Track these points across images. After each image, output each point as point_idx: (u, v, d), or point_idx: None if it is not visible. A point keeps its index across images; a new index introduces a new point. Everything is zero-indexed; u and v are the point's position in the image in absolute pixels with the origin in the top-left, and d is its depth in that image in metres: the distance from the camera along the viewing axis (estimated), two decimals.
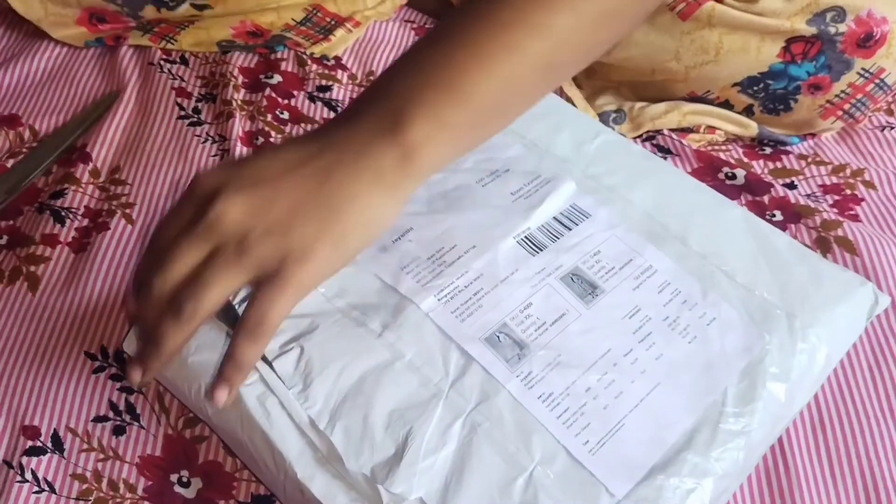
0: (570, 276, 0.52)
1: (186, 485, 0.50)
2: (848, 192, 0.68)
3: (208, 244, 0.41)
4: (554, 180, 0.56)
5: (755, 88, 0.69)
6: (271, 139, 0.67)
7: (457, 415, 0.46)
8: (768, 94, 0.69)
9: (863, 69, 0.66)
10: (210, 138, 0.67)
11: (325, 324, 0.49)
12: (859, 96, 0.68)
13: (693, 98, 0.71)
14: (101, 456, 0.51)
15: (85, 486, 0.50)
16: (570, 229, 0.54)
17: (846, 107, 0.69)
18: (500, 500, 0.43)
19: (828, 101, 0.68)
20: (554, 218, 0.55)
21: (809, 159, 0.71)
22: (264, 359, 0.47)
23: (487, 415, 0.46)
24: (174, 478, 0.50)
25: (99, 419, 0.52)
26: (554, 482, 0.44)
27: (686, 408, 0.48)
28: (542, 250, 0.53)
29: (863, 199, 0.68)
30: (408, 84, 0.43)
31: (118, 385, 0.54)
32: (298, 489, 0.45)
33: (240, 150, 0.66)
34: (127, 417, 0.53)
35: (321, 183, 0.41)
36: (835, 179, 0.70)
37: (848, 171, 0.70)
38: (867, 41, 0.65)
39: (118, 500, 0.49)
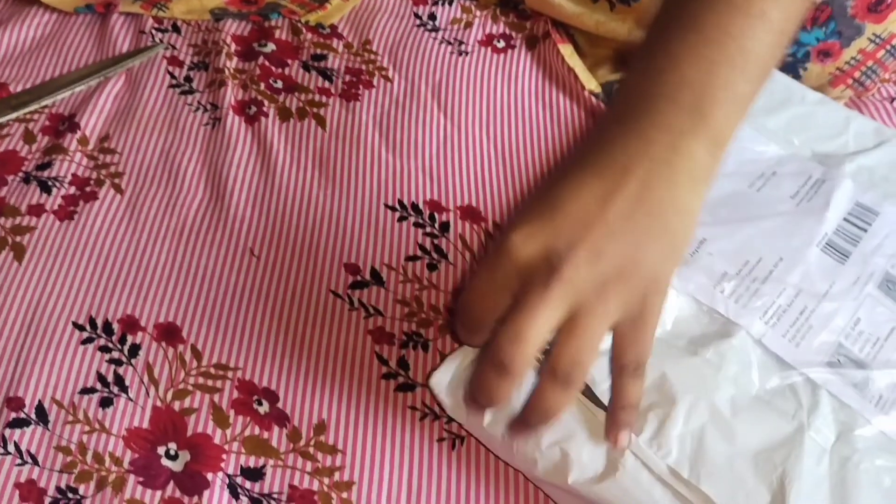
0: (885, 283, 0.49)
1: (174, 457, 0.49)
2: None
3: (566, 305, 0.37)
4: (829, 180, 0.53)
5: None
6: (264, 108, 0.66)
7: (823, 451, 0.43)
8: None
9: (874, 34, 0.64)
10: (201, 107, 0.66)
11: (656, 357, 0.43)
12: (870, 63, 0.66)
13: None
14: (87, 428, 0.50)
15: (69, 459, 0.48)
16: (864, 231, 0.51)
17: (856, 74, 0.67)
18: None
19: (837, 69, 0.66)
20: (845, 220, 0.52)
21: None
22: (602, 406, 0.43)
23: (852, 448, 0.43)
24: (161, 450, 0.49)
25: (86, 391, 0.51)
26: None
27: None
28: (848, 256, 0.50)
29: None
30: (692, 64, 0.39)
31: (107, 357, 0.52)
32: None
33: (232, 119, 0.64)
34: (115, 389, 0.51)
35: (643, 202, 0.38)
36: None
37: None
38: (878, 5, 0.63)
39: (103, 472, 0.48)
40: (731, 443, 0.43)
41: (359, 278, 0.57)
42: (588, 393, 0.44)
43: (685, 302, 0.48)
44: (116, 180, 0.61)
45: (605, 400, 0.42)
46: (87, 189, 0.60)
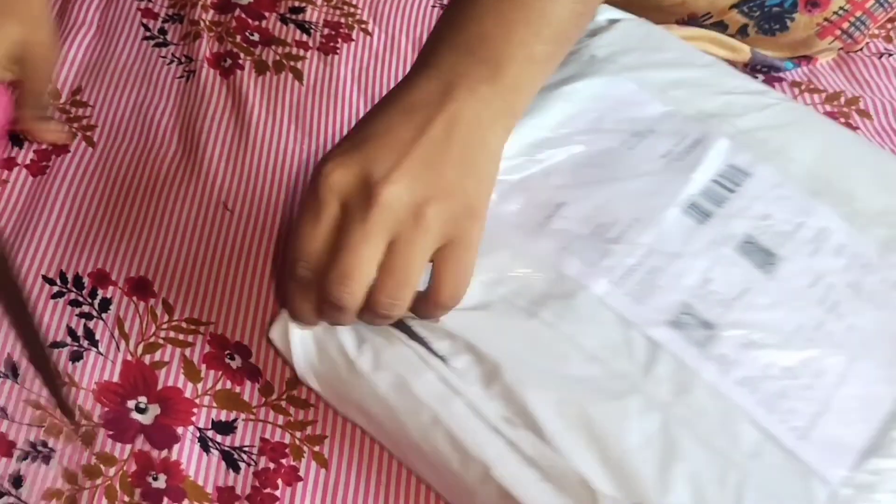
0: (744, 244, 0.48)
1: (144, 411, 0.48)
2: (842, 120, 0.66)
3: (386, 234, 0.39)
4: (704, 139, 0.52)
5: (750, 6, 0.65)
6: (240, 61, 0.64)
7: (655, 409, 0.42)
8: (763, 12, 0.65)
9: None
10: (176, 60, 0.64)
11: (492, 316, 0.44)
12: (858, 14, 0.65)
13: (689, 21, 0.68)
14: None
15: (39, 413, 0.48)
16: (732, 192, 0.50)
17: (844, 25, 0.66)
18: (715, 501, 0.40)
19: (825, 20, 0.65)
20: (713, 181, 0.50)
21: (803, 87, 0.69)
22: (441, 357, 0.44)
23: (688, 406, 0.42)
24: (132, 404, 0.49)
25: (55, 345, 0.50)
26: (768, 477, 0.41)
27: (887, 380, 0.45)
28: (709, 217, 0.49)
29: (857, 128, 0.65)
30: (494, 22, 0.43)
31: (77, 311, 0.52)
32: (498, 494, 0.41)
33: (206, 71, 0.63)
34: (85, 343, 0.51)
35: (450, 136, 0.40)
36: (829, 108, 0.67)
37: (842, 100, 0.67)
38: None
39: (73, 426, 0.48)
40: (559, 397, 0.42)
41: None
42: (402, 326, 0.44)
43: (526, 263, 0.47)
44: (88, 133, 0.60)
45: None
46: (60, 143, 0.59)
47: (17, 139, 0.59)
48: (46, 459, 0.47)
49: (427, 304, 0.42)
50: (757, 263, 0.48)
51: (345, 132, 0.60)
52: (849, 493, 0.42)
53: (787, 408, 0.43)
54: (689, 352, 0.44)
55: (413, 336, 0.44)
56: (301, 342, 0.46)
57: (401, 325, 0.45)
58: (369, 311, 0.41)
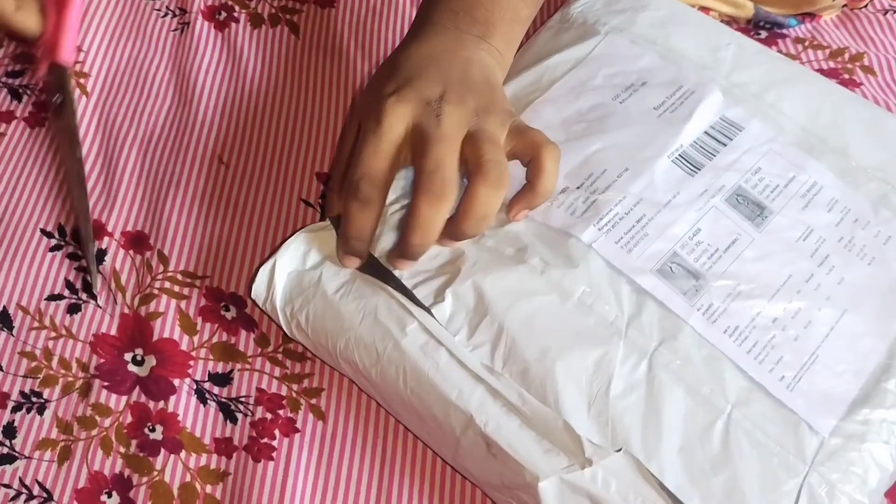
0: (734, 196, 0.48)
1: (140, 363, 0.48)
2: (846, 76, 0.65)
3: (460, 137, 0.45)
4: (697, 91, 0.51)
5: None
6: (235, 13, 0.64)
7: (641, 356, 0.42)
8: None
9: None
10: (170, 12, 0.64)
11: (479, 264, 0.45)
12: None
13: None
14: (53, 334, 0.49)
15: (34, 364, 0.48)
16: (724, 145, 0.50)
17: None
18: (701, 448, 0.40)
19: None
20: (705, 133, 0.50)
21: (807, 43, 0.68)
22: (422, 306, 0.43)
23: (674, 354, 0.42)
24: (128, 356, 0.49)
25: (53, 297, 0.50)
26: (755, 424, 0.41)
27: (877, 334, 0.45)
28: (699, 169, 0.48)
29: (861, 84, 0.64)
30: None
31: (76, 264, 0.52)
32: (481, 443, 0.42)
33: (201, 24, 0.62)
34: (83, 296, 0.51)
35: (471, 73, 0.48)
36: (832, 64, 0.66)
37: (846, 56, 0.66)
38: None
39: (69, 378, 0.48)
40: (544, 343, 0.42)
41: None
42: (386, 276, 0.45)
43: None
44: (82, 80, 0.59)
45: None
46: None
47: (15, 93, 0.59)
48: (41, 410, 0.47)
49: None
50: (747, 216, 0.47)
51: (342, 87, 0.61)
52: (838, 443, 0.42)
53: (775, 358, 0.43)
54: (675, 300, 0.44)
55: (397, 285, 0.44)
56: (284, 295, 0.46)
57: (386, 273, 0.44)
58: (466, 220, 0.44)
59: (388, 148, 0.44)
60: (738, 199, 0.48)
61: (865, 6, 0.70)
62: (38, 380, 0.48)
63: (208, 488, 0.45)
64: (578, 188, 0.47)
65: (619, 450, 0.40)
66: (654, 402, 0.41)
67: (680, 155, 0.49)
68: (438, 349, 0.43)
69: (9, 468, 0.45)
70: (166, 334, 0.49)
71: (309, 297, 0.45)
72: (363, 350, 0.44)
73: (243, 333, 0.50)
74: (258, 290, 0.46)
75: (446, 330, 0.43)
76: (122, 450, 0.46)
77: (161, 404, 0.47)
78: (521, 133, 0.46)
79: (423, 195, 0.43)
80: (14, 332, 0.49)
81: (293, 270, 0.46)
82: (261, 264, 0.46)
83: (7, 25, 0.56)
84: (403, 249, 0.44)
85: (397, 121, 0.45)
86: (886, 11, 0.70)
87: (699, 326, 0.43)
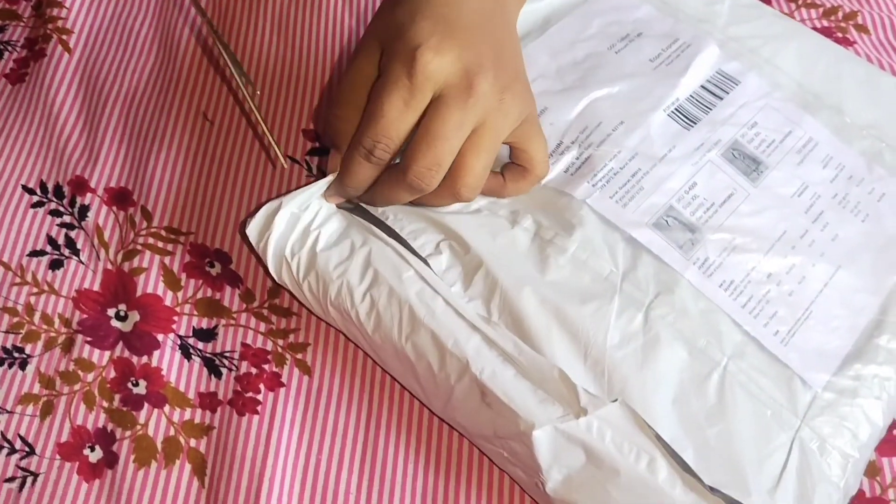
0: (731, 151, 0.47)
1: (123, 318, 0.48)
2: (839, 35, 0.64)
3: (476, 121, 0.40)
4: (694, 44, 0.51)
5: None
6: None
7: (636, 309, 0.42)
8: None
9: None
10: None
11: (472, 222, 0.44)
12: None
13: None
14: (35, 290, 0.49)
15: (16, 320, 0.47)
16: (721, 98, 0.49)
17: None
18: (696, 399, 0.40)
19: None
20: (702, 86, 0.50)
21: (800, 2, 0.67)
22: (420, 256, 0.43)
23: (670, 307, 0.42)
24: (111, 312, 0.48)
25: (35, 253, 0.50)
26: (749, 378, 0.41)
27: (871, 290, 0.44)
28: (696, 123, 0.48)
29: (854, 43, 0.64)
30: None
31: (58, 221, 0.51)
32: (475, 391, 0.41)
33: None
34: (66, 252, 0.50)
35: (497, 32, 0.43)
36: (826, 23, 0.65)
37: (840, 14, 0.66)
38: None
39: (52, 333, 0.47)
40: (540, 295, 0.42)
41: (317, 145, 0.55)
42: (383, 226, 0.44)
43: None
44: (64, 37, 0.58)
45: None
46: (36, 48, 0.58)
47: None
48: (23, 365, 0.46)
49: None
50: (743, 170, 0.47)
51: (328, 43, 0.60)
52: (830, 398, 0.42)
53: (769, 313, 0.43)
54: (671, 254, 0.43)
55: (394, 235, 0.43)
56: (280, 238, 0.45)
57: (382, 225, 0.44)
58: (451, 193, 0.41)
59: (416, 109, 0.40)
60: (734, 153, 0.47)
61: None
62: (21, 335, 0.47)
63: (192, 442, 0.45)
64: (574, 143, 0.47)
65: (615, 400, 0.39)
66: (650, 353, 0.41)
67: (676, 109, 0.48)
68: (435, 297, 0.42)
69: None
70: (150, 290, 0.49)
71: (303, 243, 0.44)
72: (357, 297, 0.43)
73: (228, 289, 0.49)
74: (254, 229, 0.45)
75: (442, 281, 0.42)
76: (106, 404, 0.45)
77: (145, 359, 0.46)
78: (525, 125, 0.43)
79: (408, 185, 0.40)
80: None
81: (292, 215, 0.45)
82: (257, 208, 0.45)
83: None
84: (371, 201, 0.44)
85: (427, 83, 0.39)
86: None
87: (695, 280, 0.43)
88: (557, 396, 0.40)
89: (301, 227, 0.44)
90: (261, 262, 0.47)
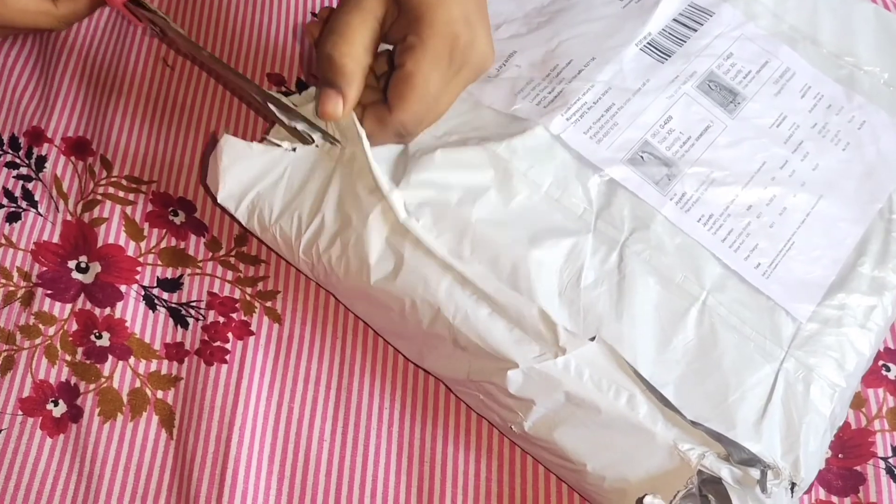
0: (706, 82, 0.46)
1: (84, 270, 0.46)
2: None
3: None
4: None
5: None
6: None
7: (611, 247, 0.40)
8: None
9: None
10: None
11: (447, 152, 0.42)
12: None
13: None
14: None
15: None
16: (694, 31, 0.48)
17: None
18: (675, 335, 0.39)
19: None
20: (674, 20, 0.48)
21: None
22: (386, 187, 0.40)
23: (646, 243, 0.41)
24: (72, 264, 0.46)
25: None
26: (730, 311, 0.40)
27: (853, 219, 0.44)
28: (669, 56, 0.46)
29: None
30: None
31: (14, 173, 0.49)
32: (448, 335, 0.39)
33: None
34: (23, 204, 0.48)
35: None
36: None
37: None
38: None
39: (10, 287, 0.45)
40: (514, 232, 0.40)
41: (283, 89, 0.53)
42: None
43: (480, 114, 0.44)
44: None
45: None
46: None
47: None
48: None
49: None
50: (719, 102, 0.46)
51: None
52: (815, 328, 0.41)
53: (750, 245, 0.42)
54: (647, 190, 0.42)
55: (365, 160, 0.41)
56: (244, 184, 0.43)
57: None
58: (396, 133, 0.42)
59: (370, 26, 0.40)
60: (710, 85, 0.46)
61: None
62: None
63: (159, 394, 0.43)
64: (545, 79, 0.45)
65: (593, 338, 0.38)
66: (626, 290, 0.40)
67: (648, 43, 0.47)
68: (403, 239, 0.40)
69: None
70: (111, 240, 0.47)
71: (273, 187, 0.42)
72: (327, 241, 0.41)
73: (193, 238, 0.47)
74: (223, 171, 0.42)
75: (411, 217, 0.40)
76: (68, 358, 0.44)
77: (108, 311, 0.45)
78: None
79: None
80: None
81: (258, 159, 0.43)
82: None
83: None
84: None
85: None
86: None
87: (672, 216, 0.42)
88: (534, 335, 0.38)
89: (271, 171, 0.42)
90: (225, 210, 0.44)
